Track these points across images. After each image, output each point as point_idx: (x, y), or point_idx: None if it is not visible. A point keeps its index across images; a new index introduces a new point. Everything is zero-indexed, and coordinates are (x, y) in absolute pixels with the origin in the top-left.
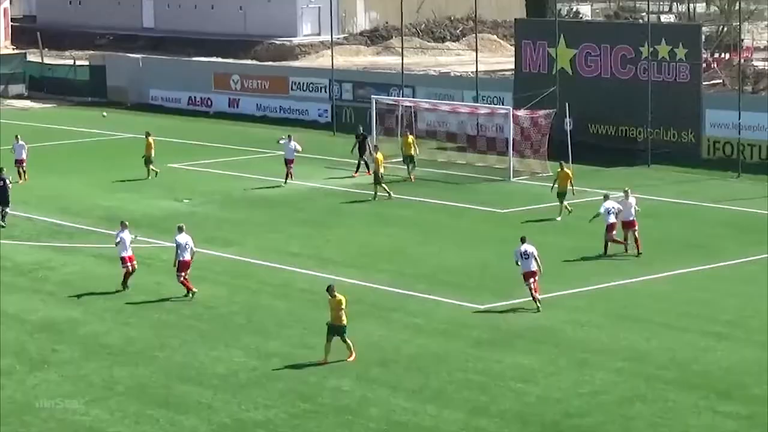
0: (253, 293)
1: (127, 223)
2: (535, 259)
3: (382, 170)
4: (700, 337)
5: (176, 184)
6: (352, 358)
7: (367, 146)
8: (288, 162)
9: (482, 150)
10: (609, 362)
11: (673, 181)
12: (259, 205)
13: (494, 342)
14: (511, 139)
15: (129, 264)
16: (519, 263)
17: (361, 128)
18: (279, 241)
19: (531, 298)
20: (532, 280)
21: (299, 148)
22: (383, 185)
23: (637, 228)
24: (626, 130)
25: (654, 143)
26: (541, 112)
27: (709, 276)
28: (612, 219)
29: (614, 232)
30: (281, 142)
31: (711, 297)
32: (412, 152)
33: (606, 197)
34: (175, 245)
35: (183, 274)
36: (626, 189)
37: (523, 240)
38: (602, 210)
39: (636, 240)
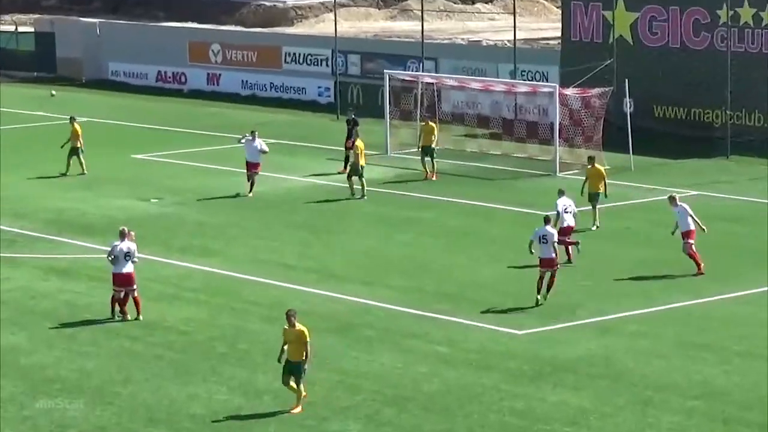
0: (238, 315)
1: (126, 230)
2: (554, 246)
3: (362, 162)
4: None
5: (142, 180)
6: (297, 410)
7: (355, 135)
8: (251, 166)
9: (521, 137)
10: (678, 401)
11: (757, 176)
12: (245, 205)
13: (536, 376)
14: (558, 123)
15: (118, 287)
16: (536, 245)
17: (352, 112)
18: (270, 250)
19: (539, 293)
20: (548, 269)
21: (265, 148)
22: (362, 180)
23: (693, 240)
24: (700, 113)
25: (734, 129)
26: (595, 91)
27: None
28: (570, 221)
29: (567, 237)
30: (242, 141)
31: None
32: (432, 144)
33: (561, 193)
34: (110, 256)
35: (123, 290)
36: (672, 195)
37: (546, 220)
38: (559, 208)
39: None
